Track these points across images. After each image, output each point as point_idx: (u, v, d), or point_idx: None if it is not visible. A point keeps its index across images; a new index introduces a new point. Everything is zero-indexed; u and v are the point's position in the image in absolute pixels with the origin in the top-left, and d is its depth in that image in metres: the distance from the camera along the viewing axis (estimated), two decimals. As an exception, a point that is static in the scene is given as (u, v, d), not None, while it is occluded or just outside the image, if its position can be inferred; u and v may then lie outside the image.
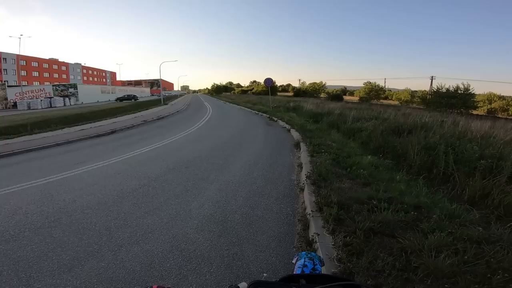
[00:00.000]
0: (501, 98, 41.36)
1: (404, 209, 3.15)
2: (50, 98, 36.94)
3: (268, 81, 22.15)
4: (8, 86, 41.66)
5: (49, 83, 51.99)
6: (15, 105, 35.33)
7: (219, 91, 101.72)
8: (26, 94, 38.71)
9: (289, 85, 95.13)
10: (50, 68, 66.29)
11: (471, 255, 2.28)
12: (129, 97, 46.29)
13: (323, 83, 73.87)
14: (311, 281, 0.75)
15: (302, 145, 7.56)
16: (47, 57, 67.11)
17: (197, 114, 19.99)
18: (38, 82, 56.50)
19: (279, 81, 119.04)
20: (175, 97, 60.93)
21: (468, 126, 7.37)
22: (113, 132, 11.36)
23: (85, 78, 78.19)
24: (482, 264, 2.19)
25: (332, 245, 2.63)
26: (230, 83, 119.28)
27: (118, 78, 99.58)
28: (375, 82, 59.25)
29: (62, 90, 41.57)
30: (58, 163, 6.58)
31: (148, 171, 5.69)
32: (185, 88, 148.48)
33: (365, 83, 60.50)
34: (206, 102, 40.03)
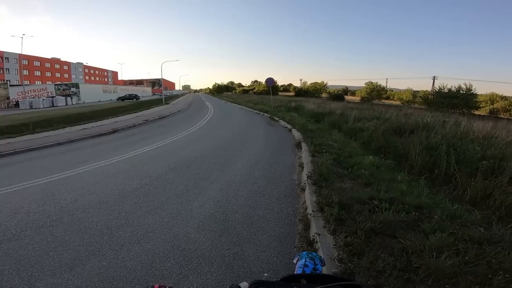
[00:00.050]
0: (504, 98, 41.16)
1: (406, 210, 3.14)
2: (52, 97, 37.04)
3: (270, 80, 22.13)
4: (10, 85, 41.90)
5: (51, 82, 52.23)
6: (17, 104, 35.46)
7: (220, 90, 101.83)
8: (28, 93, 38.87)
9: (290, 85, 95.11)
10: (52, 68, 66.54)
11: (472, 255, 2.27)
12: (131, 97, 46.33)
13: (325, 83, 73.90)
14: (312, 281, 0.75)
15: (303, 145, 7.56)
16: (49, 57, 67.43)
17: (198, 114, 20.02)
18: (40, 82, 56.73)
19: (280, 81, 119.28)
20: (176, 96, 60.94)
21: (470, 126, 7.34)
22: (114, 131, 11.39)
23: (87, 77, 78.41)
24: (483, 264, 2.18)
25: (333, 245, 2.63)
26: (231, 82, 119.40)
27: (119, 78, 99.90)
28: (376, 82, 59.25)
29: (64, 90, 41.71)
30: (60, 162, 6.61)
31: (149, 170, 5.70)
32: (186, 87, 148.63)
33: (367, 83, 60.49)
34: (207, 101, 40.07)
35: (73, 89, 42.05)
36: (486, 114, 33.12)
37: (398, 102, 50.67)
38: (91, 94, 44.00)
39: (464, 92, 33.75)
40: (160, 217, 3.60)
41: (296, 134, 9.70)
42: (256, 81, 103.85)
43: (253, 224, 3.39)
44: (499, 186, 3.72)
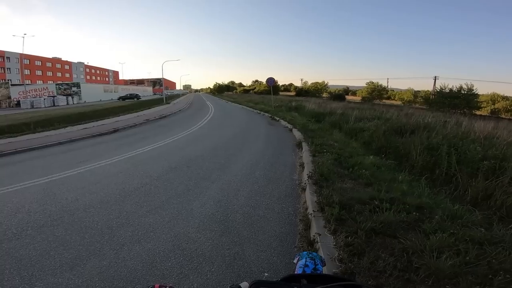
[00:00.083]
0: (505, 98, 41.06)
1: (406, 210, 3.14)
2: (53, 97, 37.15)
3: (270, 80, 22.12)
4: (11, 84, 42.07)
5: (52, 82, 52.37)
6: (18, 104, 35.58)
7: (221, 90, 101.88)
8: (29, 92, 39.01)
9: (291, 84, 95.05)
10: (53, 67, 66.66)
11: (472, 256, 2.27)
12: (132, 96, 46.38)
13: (325, 82, 73.78)
14: (312, 281, 0.75)
15: (304, 144, 7.55)
16: (50, 56, 67.60)
17: (199, 113, 20.02)
18: (42, 81, 56.84)
19: (281, 81, 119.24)
20: (177, 96, 60.99)
21: (471, 126, 7.33)
22: (115, 131, 11.40)
23: (88, 77, 78.54)
24: (484, 265, 2.18)
25: (334, 245, 2.63)
26: (232, 82, 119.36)
27: (120, 77, 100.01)
28: (377, 82, 59.08)
29: (65, 89, 41.82)
30: (61, 161, 6.62)
31: (150, 170, 5.70)
32: (187, 87, 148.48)
33: (368, 83, 60.30)
34: (208, 101, 40.07)
35: (74, 89, 42.15)
36: (488, 114, 33.06)
37: (399, 102, 50.55)
38: (92, 94, 44.10)
39: (465, 92, 33.67)
40: (161, 216, 3.60)
41: (297, 134, 9.70)
42: (257, 81, 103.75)
43: (254, 224, 3.39)
44: (500, 186, 3.71)
